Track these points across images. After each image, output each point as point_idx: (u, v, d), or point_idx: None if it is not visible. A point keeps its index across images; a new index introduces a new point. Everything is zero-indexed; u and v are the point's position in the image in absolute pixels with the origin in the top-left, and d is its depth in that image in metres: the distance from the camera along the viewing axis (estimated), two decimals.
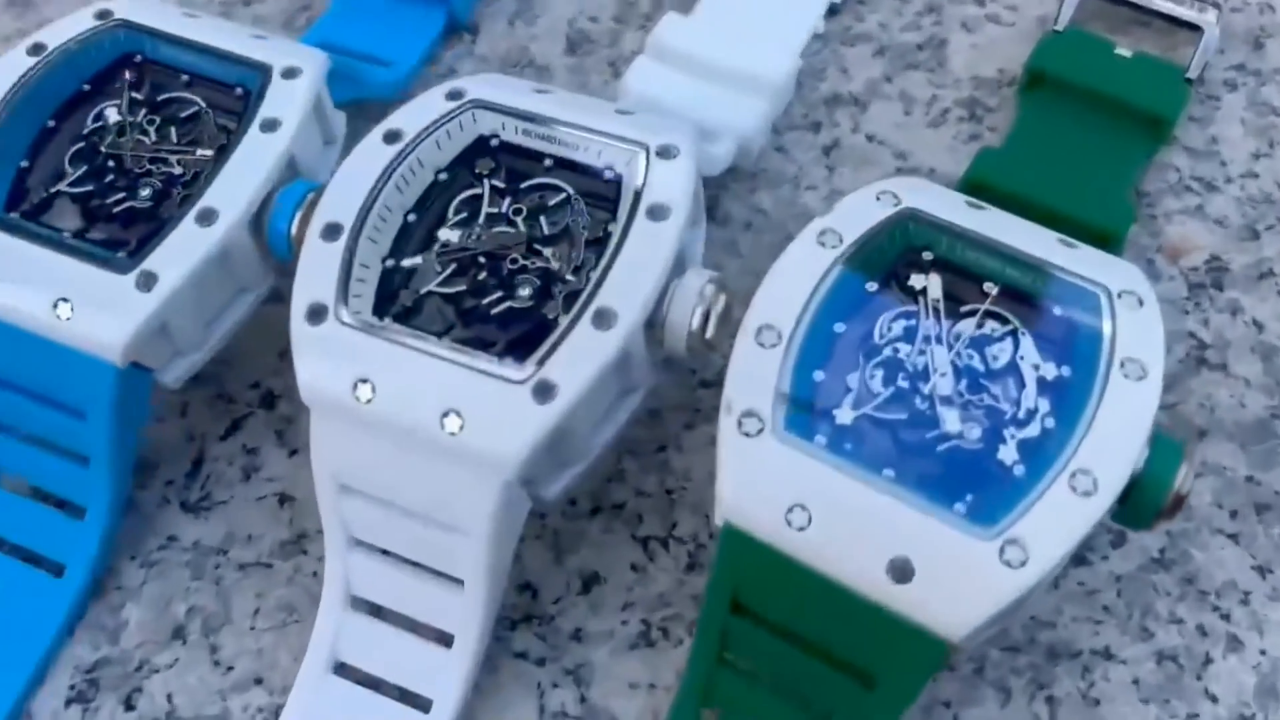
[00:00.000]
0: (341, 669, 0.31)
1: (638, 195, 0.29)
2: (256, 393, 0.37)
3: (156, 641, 0.33)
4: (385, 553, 0.30)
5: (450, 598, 0.30)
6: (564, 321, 0.28)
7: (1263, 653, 0.32)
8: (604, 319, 0.27)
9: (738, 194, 0.40)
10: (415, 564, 0.30)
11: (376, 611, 0.32)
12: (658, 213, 0.29)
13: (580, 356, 0.27)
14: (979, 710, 0.31)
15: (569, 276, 0.29)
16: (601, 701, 0.32)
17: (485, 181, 0.31)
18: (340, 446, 0.29)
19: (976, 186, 0.36)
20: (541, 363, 0.27)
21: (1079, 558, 0.33)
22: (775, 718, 0.28)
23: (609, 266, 0.28)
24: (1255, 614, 0.32)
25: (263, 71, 0.33)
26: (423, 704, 0.31)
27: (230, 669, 0.33)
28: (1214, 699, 0.31)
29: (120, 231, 0.31)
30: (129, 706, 0.32)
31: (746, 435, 0.27)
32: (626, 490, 0.35)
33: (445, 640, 0.31)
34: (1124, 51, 0.40)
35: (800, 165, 0.40)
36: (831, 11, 0.43)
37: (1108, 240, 0.35)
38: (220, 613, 0.33)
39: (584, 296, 0.28)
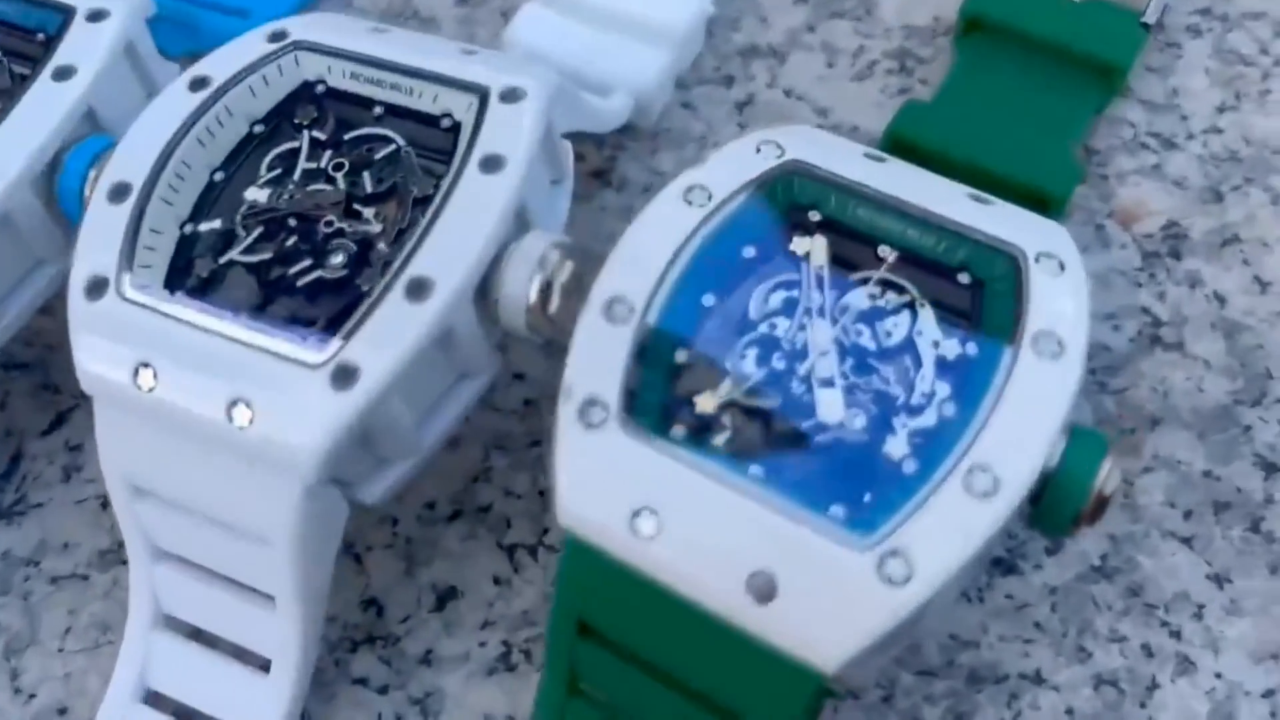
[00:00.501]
0: (153, 698, 0.27)
1: (471, 144, 0.25)
2: None
3: None
4: (192, 563, 0.26)
5: (264, 616, 0.26)
6: (374, 293, 0.23)
7: (1218, 676, 0.27)
8: (419, 289, 0.23)
9: (636, 155, 0.35)
10: (225, 578, 0.26)
11: (192, 632, 0.27)
12: (492, 164, 0.24)
13: (388, 334, 0.23)
14: None
15: (391, 241, 0.25)
16: None
17: (305, 133, 0.27)
18: (127, 442, 0.25)
19: (898, 143, 0.32)
20: (344, 343, 0.23)
21: (1008, 567, 0.29)
22: None
23: (429, 227, 0.24)
24: (1210, 631, 0.28)
25: (64, 13, 0.28)
26: None
27: (32, 697, 0.28)
28: None
29: None
30: None
31: (589, 426, 0.23)
32: (494, 491, 0.30)
33: (265, 665, 0.27)
34: None
35: (709, 123, 0.36)
36: None
37: (1049, 204, 0.31)
38: (26, 632, 0.29)
39: (397, 264, 0.23)
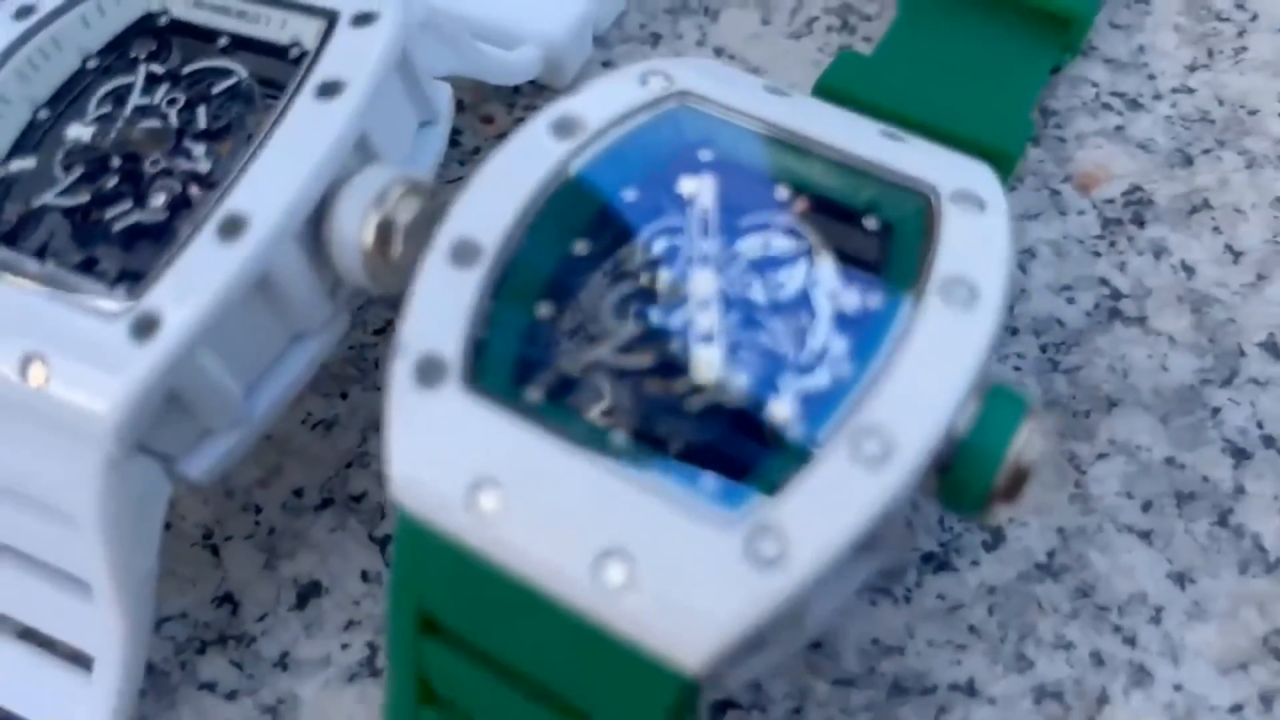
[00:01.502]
0: None
1: (309, 70, 0.22)
2: None
3: None
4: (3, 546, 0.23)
5: (81, 608, 0.23)
6: (183, 235, 0.20)
7: (1177, 688, 0.24)
8: (233, 227, 0.20)
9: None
10: (38, 562, 0.23)
11: (9, 627, 0.24)
12: (329, 90, 0.21)
13: (195, 278, 0.20)
14: None
15: (218, 180, 0.22)
16: None
17: (141, 67, 0.24)
18: None
19: (829, 95, 0.29)
20: (146, 289, 0.20)
21: (940, 563, 0.25)
22: None
23: (250, 160, 0.21)
24: (1169, 637, 0.24)
25: None
26: None
27: None
28: None
29: None
30: None
31: (424, 387, 0.20)
32: (369, 478, 0.27)
33: (87, 663, 0.23)
34: None
35: None
36: None
37: (996, 162, 0.28)
38: None
39: (213, 201, 0.20)
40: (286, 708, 0.25)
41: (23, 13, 0.24)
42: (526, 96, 0.33)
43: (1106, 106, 0.31)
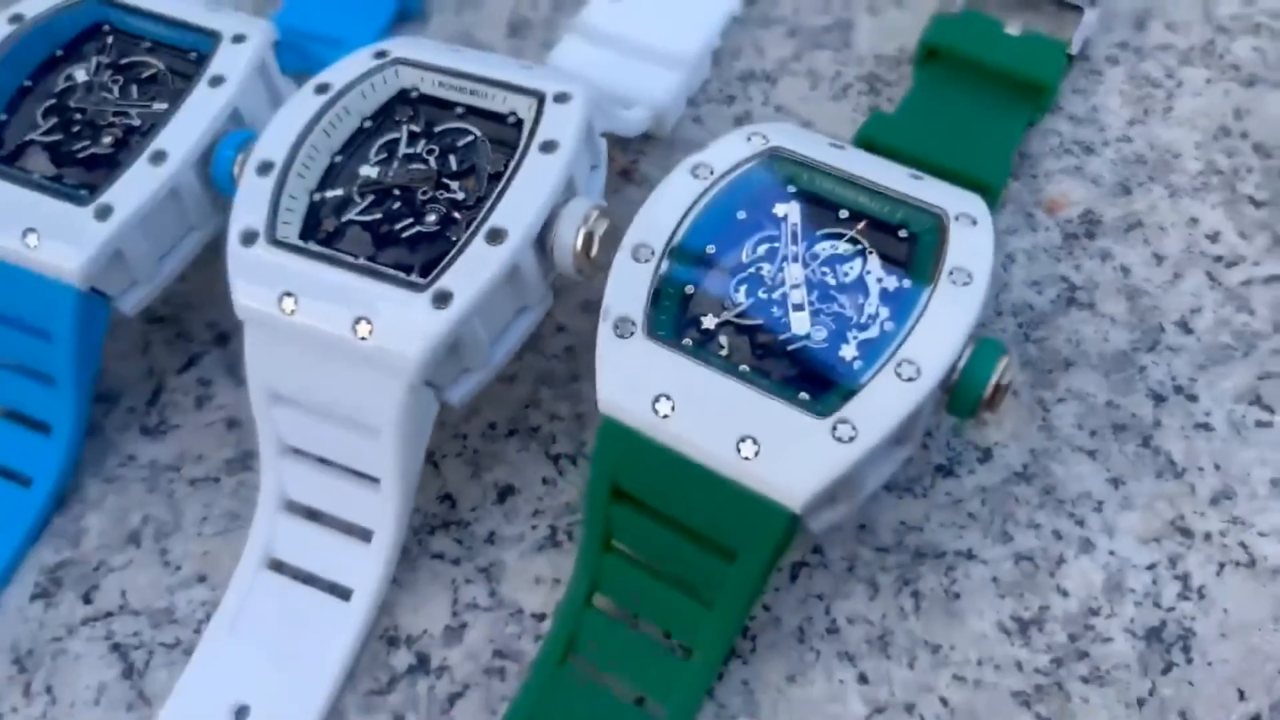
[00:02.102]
0: (275, 565, 0.35)
1: (532, 132, 0.33)
2: (212, 332, 0.41)
3: (112, 546, 0.37)
4: (312, 456, 0.34)
5: (369, 496, 0.34)
6: (463, 239, 0.31)
7: (1111, 553, 0.35)
8: (496, 236, 0.31)
9: (655, 158, 0.43)
10: (338, 466, 0.34)
11: (308, 513, 0.35)
12: (549, 147, 0.32)
13: (474, 267, 0.31)
14: (849, 603, 0.34)
15: (472, 205, 0.33)
16: (510, 595, 0.35)
17: (404, 127, 0.35)
18: (269, 357, 0.33)
19: (866, 144, 0.40)
20: (440, 274, 0.31)
21: (947, 470, 0.36)
22: (655, 597, 0.32)
23: (503, 192, 0.32)
24: (1106, 520, 0.35)
25: (214, 37, 0.37)
26: (344, 593, 0.34)
27: (178, 569, 0.36)
28: (1065, 594, 0.34)
29: (85, 175, 0.35)
30: (86, 600, 0.36)
31: (621, 338, 0.31)
32: (542, 415, 0.38)
33: (366, 536, 0.34)
34: (1012, 30, 0.43)
35: (714, 134, 0.43)
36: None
37: (986, 192, 0.39)
38: (171, 521, 0.37)
39: (479, 218, 0.31)
40: (496, 569, 0.36)
41: (320, 89, 0.35)
42: (637, 143, 0.44)
43: (1068, 151, 0.43)
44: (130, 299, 0.36)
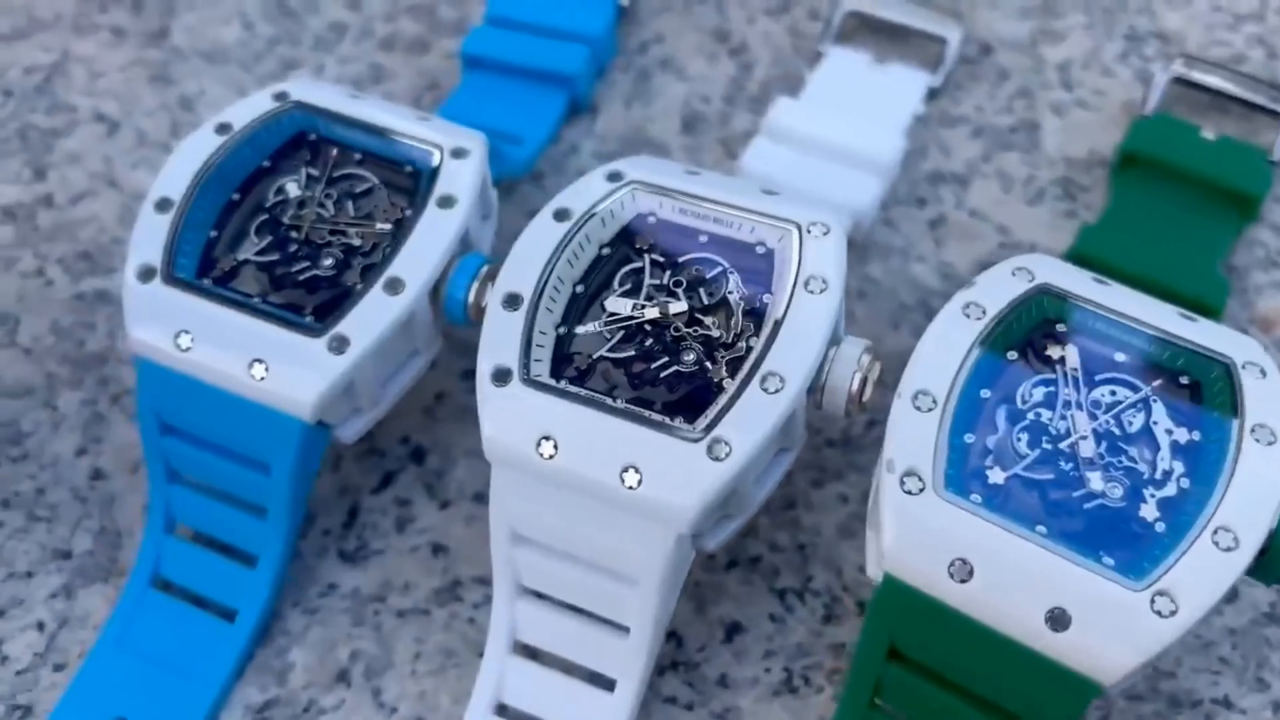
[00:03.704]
0: (504, 711, 0.33)
1: (799, 271, 0.31)
2: (406, 448, 0.39)
3: (322, 684, 0.35)
4: (553, 600, 0.33)
5: (615, 643, 0.32)
6: (732, 385, 0.30)
7: None
8: (773, 382, 0.30)
9: (851, 264, 0.42)
10: (582, 611, 0.32)
11: (538, 656, 0.33)
12: (815, 285, 0.31)
13: (752, 417, 0.29)
14: None
15: (729, 343, 0.31)
16: None
17: (645, 256, 0.33)
18: (519, 499, 0.31)
19: (1081, 260, 0.39)
20: (715, 423, 0.30)
21: None
22: None
23: (774, 334, 0.30)
24: None
25: (430, 151, 0.35)
26: None
27: (394, 710, 0.34)
28: None
29: (306, 298, 0.34)
30: None
31: (909, 493, 0.29)
32: (761, 545, 0.37)
33: (606, 684, 0.33)
34: (1209, 135, 0.42)
35: (908, 238, 0.43)
36: (930, 95, 0.46)
37: (1207, 312, 0.37)
38: (382, 656, 0.35)
39: (751, 362, 0.30)
40: (732, 715, 0.34)
41: (560, 215, 0.33)
42: None
43: (1274, 263, 0.42)
44: (351, 428, 0.34)
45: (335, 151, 0.36)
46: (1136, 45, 0.47)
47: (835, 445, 0.38)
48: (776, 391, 0.30)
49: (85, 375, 0.41)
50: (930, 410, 0.30)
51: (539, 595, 0.33)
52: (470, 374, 0.40)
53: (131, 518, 0.38)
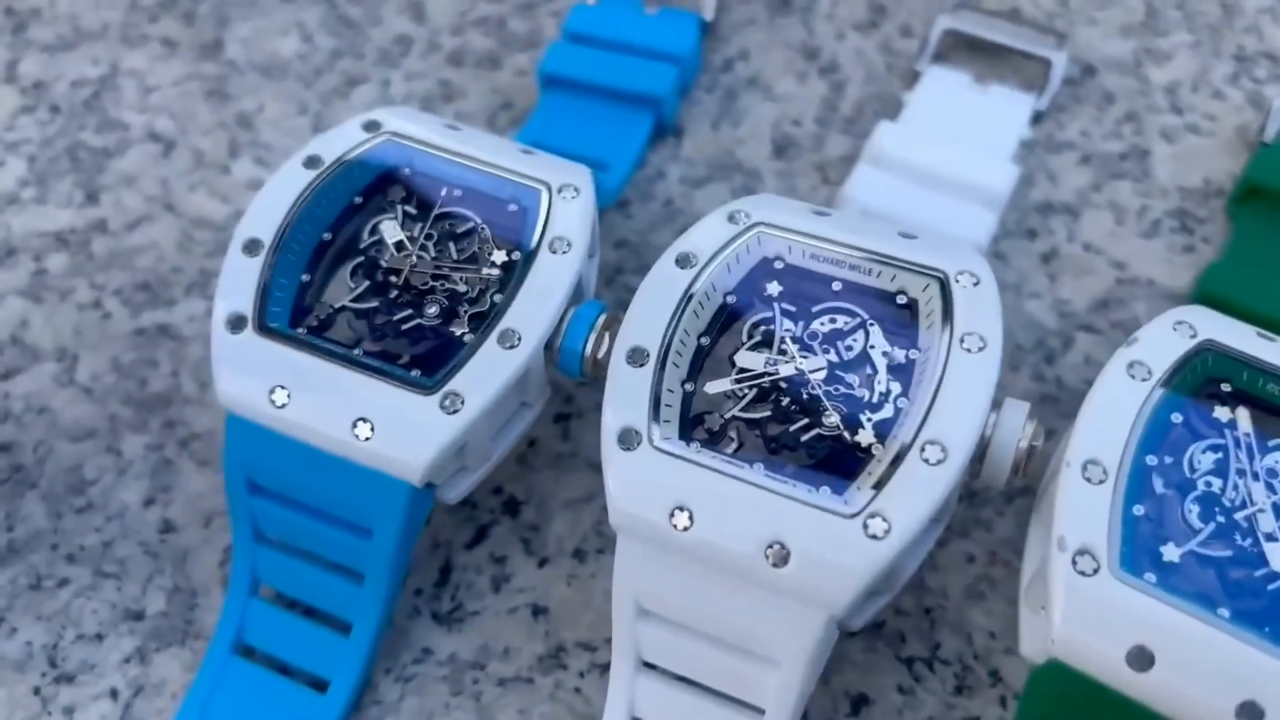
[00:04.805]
0: None
1: (951, 325, 0.29)
2: (499, 499, 0.37)
3: None
4: (677, 677, 0.30)
5: None
6: (886, 454, 0.28)
7: None
8: (937, 451, 0.27)
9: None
10: (710, 690, 0.30)
11: None
12: (973, 342, 0.29)
13: (914, 491, 0.27)
14: None
15: (876, 404, 0.29)
16: None
17: (775, 305, 0.31)
18: (647, 571, 0.29)
19: (1209, 301, 0.37)
20: (874, 495, 0.27)
21: None
22: None
23: (935, 399, 0.28)
24: None
25: (539, 189, 0.33)
26: None
27: None
28: None
29: (409, 349, 0.31)
30: None
31: (1082, 574, 0.27)
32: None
33: None
34: None
35: (1020, 273, 0.40)
36: (1035, 118, 0.43)
37: None
38: None
39: (914, 430, 0.28)
40: None
41: (682, 261, 0.31)
42: None
43: None
44: (456, 488, 0.32)
45: (434, 189, 0.34)
46: (1246, 66, 0.45)
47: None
48: (939, 462, 0.27)
49: (150, 417, 0.39)
50: (1102, 483, 0.28)
51: (663, 671, 0.31)
52: (564, 418, 0.38)
53: (206, 575, 0.36)
